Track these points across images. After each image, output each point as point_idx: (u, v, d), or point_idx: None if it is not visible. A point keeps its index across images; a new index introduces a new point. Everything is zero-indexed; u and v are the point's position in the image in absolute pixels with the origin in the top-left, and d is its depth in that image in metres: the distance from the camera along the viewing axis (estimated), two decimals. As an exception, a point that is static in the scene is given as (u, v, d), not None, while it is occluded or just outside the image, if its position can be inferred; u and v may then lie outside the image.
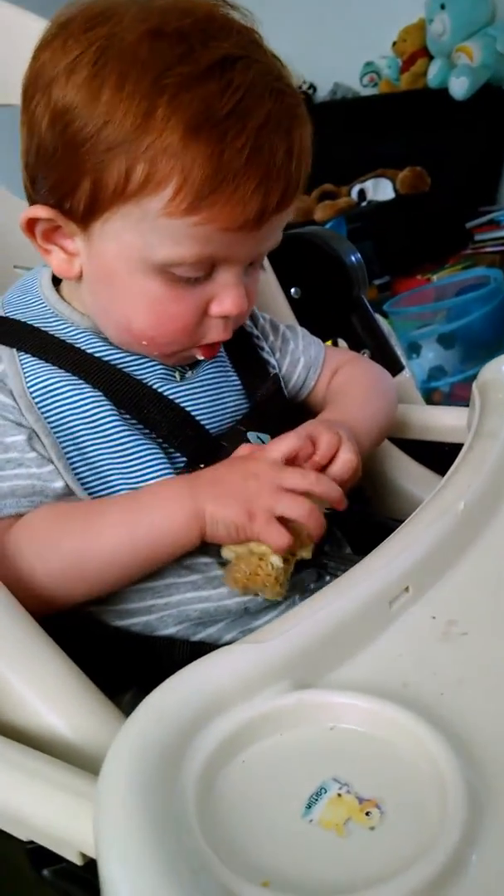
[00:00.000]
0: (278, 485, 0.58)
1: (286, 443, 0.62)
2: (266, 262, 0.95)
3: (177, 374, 0.68)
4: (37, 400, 0.63)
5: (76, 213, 0.59)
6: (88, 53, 0.55)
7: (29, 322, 0.66)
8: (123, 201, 0.56)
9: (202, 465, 0.64)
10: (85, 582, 0.60)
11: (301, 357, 0.80)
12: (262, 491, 0.58)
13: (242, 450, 0.64)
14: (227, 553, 0.60)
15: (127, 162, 0.55)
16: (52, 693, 0.49)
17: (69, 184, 0.57)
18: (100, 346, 0.65)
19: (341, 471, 0.63)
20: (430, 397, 2.17)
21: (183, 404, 0.67)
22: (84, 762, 0.45)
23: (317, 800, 0.37)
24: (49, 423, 0.62)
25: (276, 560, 0.58)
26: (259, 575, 0.58)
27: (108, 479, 0.63)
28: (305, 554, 0.60)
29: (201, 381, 0.69)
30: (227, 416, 0.70)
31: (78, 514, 0.61)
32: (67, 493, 0.62)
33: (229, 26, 0.57)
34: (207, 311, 0.62)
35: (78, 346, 0.65)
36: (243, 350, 0.74)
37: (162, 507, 0.59)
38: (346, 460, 0.63)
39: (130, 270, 0.60)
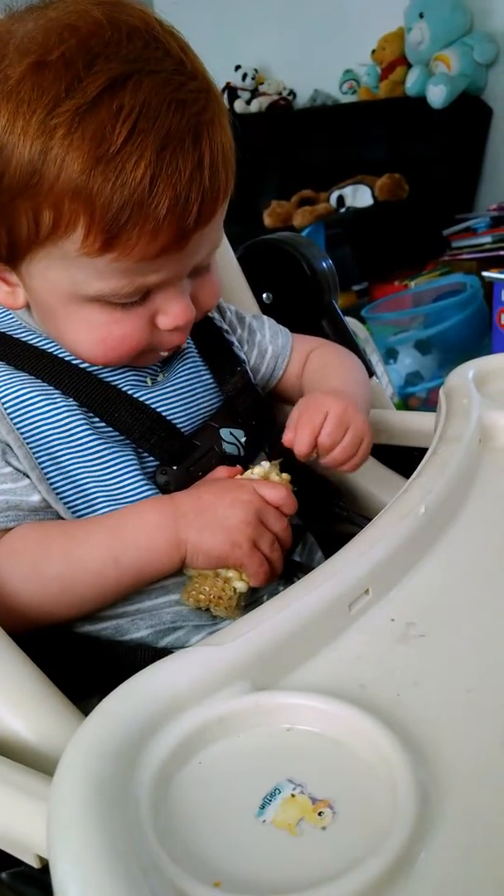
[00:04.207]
0: (262, 518, 0.61)
1: (305, 440, 0.65)
2: (228, 252, 0.96)
3: (148, 380, 0.68)
4: (9, 411, 0.62)
5: (1, 256, 0.58)
6: None
7: None
8: (40, 245, 0.55)
9: (174, 467, 0.65)
10: (68, 604, 0.61)
11: (269, 347, 0.81)
12: (249, 521, 0.60)
13: (219, 472, 0.65)
14: (189, 570, 0.62)
15: (32, 209, 0.53)
16: (13, 696, 0.49)
17: None
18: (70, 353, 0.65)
19: (331, 463, 0.68)
20: (407, 402, 2.19)
21: (156, 407, 0.67)
22: (45, 765, 0.45)
23: (271, 800, 0.37)
24: (22, 434, 0.62)
25: (241, 586, 0.60)
26: (222, 598, 0.60)
27: (85, 488, 0.63)
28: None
29: (173, 383, 0.69)
30: (202, 414, 0.70)
31: (61, 539, 0.61)
32: (44, 507, 0.62)
33: (119, 35, 0.53)
34: (155, 323, 0.61)
35: (49, 351, 0.65)
36: (215, 346, 0.75)
37: (146, 537, 0.60)
38: (334, 458, 0.67)
39: (65, 304, 0.59)
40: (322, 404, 0.67)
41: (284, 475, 0.65)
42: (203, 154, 0.54)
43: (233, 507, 0.60)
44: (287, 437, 0.66)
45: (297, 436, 0.65)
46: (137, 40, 0.53)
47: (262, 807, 0.37)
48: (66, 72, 0.51)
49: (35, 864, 0.40)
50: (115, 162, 0.51)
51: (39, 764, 0.46)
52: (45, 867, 0.40)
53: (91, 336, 0.60)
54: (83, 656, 0.62)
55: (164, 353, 0.66)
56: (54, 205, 0.52)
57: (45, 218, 0.53)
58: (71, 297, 0.58)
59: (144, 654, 0.61)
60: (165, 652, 0.61)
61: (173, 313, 0.60)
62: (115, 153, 0.51)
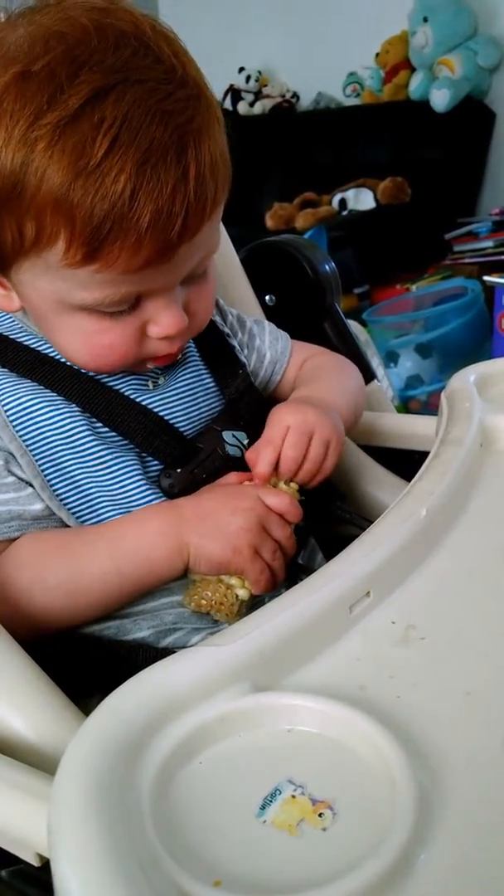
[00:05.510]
0: (265, 526, 0.60)
1: (266, 459, 0.64)
2: (231, 254, 0.96)
3: (150, 383, 0.68)
4: (12, 419, 0.62)
5: None
6: None
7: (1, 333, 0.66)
8: (24, 256, 0.55)
9: (178, 469, 0.66)
10: (73, 612, 0.61)
11: (267, 352, 0.81)
12: (250, 528, 0.60)
13: (230, 478, 0.65)
14: (193, 574, 0.62)
15: (16, 221, 0.53)
16: (14, 694, 0.49)
17: None
18: None
19: (305, 476, 0.66)
20: (408, 406, 2.19)
21: (158, 411, 0.67)
22: (45, 764, 0.45)
23: (271, 801, 0.37)
24: (25, 442, 0.62)
25: (243, 593, 0.61)
26: (224, 604, 0.60)
27: (89, 493, 0.63)
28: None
29: (175, 387, 0.69)
30: (204, 417, 0.70)
31: (63, 549, 0.61)
32: (47, 515, 0.62)
33: (105, 43, 0.52)
34: (146, 332, 0.60)
35: (51, 356, 0.65)
36: (216, 349, 0.75)
37: (148, 545, 0.60)
38: (307, 471, 0.66)
39: (55, 311, 0.59)
40: (281, 418, 0.66)
41: (293, 483, 0.65)
42: (188, 166, 0.53)
43: (234, 514, 0.60)
44: (248, 455, 0.66)
45: (259, 457, 0.64)
46: (125, 48, 0.52)
47: (263, 807, 0.37)
48: (50, 83, 0.50)
49: (35, 862, 0.41)
50: (95, 175, 0.50)
51: (40, 763, 0.46)
52: (45, 865, 0.40)
53: (78, 343, 0.60)
54: (84, 656, 0.62)
55: (151, 365, 0.65)
56: (36, 217, 0.52)
57: (27, 229, 0.53)
58: (59, 305, 0.58)
59: (145, 654, 0.61)
60: (166, 652, 0.61)
61: (164, 323, 0.59)
62: (96, 166, 0.50)
